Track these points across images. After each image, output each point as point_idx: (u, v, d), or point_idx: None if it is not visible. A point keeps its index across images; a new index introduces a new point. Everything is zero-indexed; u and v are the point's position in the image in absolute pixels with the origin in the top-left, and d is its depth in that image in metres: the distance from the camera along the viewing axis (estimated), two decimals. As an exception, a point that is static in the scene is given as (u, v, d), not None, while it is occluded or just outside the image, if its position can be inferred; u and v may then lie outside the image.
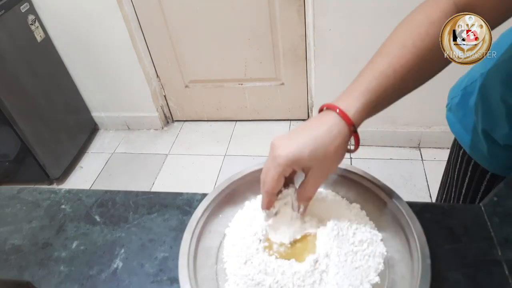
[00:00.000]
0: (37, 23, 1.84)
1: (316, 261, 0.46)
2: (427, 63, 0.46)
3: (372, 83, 0.44)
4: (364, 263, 0.46)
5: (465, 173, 0.69)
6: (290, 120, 2.17)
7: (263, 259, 0.46)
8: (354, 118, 0.43)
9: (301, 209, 0.49)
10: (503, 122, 0.56)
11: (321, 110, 0.46)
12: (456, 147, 0.72)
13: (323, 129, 0.43)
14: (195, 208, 0.52)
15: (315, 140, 0.42)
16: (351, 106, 0.43)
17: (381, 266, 0.47)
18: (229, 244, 0.51)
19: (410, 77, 0.45)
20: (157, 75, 2.13)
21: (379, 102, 0.45)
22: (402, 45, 0.45)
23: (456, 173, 0.72)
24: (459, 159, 0.71)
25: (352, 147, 0.47)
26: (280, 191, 0.49)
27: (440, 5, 0.46)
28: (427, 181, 1.72)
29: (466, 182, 0.70)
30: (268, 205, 0.48)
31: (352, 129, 0.43)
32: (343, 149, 0.45)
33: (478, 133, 0.62)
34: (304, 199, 0.48)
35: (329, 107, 0.44)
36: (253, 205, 0.54)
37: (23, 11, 1.76)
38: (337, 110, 0.43)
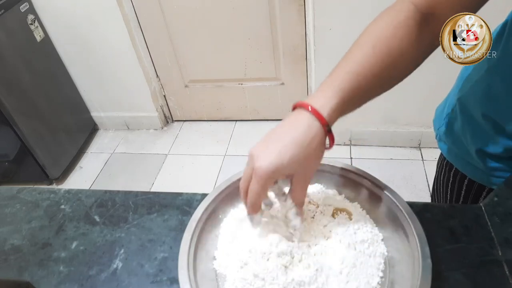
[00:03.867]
0: (36, 23, 1.84)
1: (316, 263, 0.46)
2: (397, 63, 0.46)
3: (345, 82, 0.44)
4: (365, 263, 0.46)
5: (460, 192, 0.70)
6: (290, 120, 2.17)
7: (259, 264, 0.46)
8: (328, 118, 0.43)
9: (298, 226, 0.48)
10: (495, 137, 0.57)
11: (294, 108, 0.45)
12: (445, 168, 0.72)
13: (299, 132, 0.42)
14: (195, 208, 0.52)
15: (293, 146, 0.42)
16: (325, 105, 0.43)
17: (381, 266, 0.47)
18: (224, 248, 0.50)
19: (383, 76, 0.46)
20: (157, 75, 2.13)
21: (352, 101, 0.45)
22: (373, 45, 0.45)
23: (450, 192, 0.73)
24: (451, 178, 0.71)
25: (328, 145, 0.46)
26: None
27: (403, 9, 0.47)
28: (427, 181, 1.72)
29: (461, 201, 0.70)
30: (253, 211, 0.47)
31: (327, 129, 0.43)
32: (321, 149, 0.45)
33: (472, 155, 0.62)
34: (298, 204, 0.48)
35: (303, 106, 0.43)
36: (240, 210, 0.54)
37: (22, 10, 1.76)
38: (310, 108, 0.42)
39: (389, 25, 0.46)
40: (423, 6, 0.46)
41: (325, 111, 0.42)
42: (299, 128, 0.42)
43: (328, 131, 0.43)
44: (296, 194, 0.46)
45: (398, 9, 0.47)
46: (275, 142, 0.43)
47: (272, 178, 0.42)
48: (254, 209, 0.46)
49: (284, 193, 0.49)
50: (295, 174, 0.44)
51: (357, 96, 0.45)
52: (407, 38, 0.45)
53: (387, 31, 0.46)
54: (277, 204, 0.49)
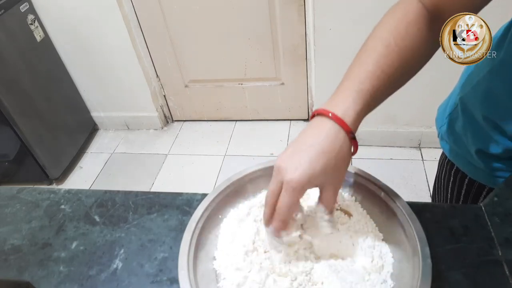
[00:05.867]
0: (36, 23, 1.84)
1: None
2: (410, 61, 0.46)
3: (364, 86, 0.44)
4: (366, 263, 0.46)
5: (460, 191, 0.70)
6: (290, 120, 2.17)
7: (255, 273, 0.46)
8: (352, 126, 0.43)
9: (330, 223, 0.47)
10: (495, 138, 0.57)
11: (314, 114, 0.45)
12: (447, 167, 0.72)
13: (327, 142, 0.42)
14: (195, 208, 0.52)
15: (323, 156, 0.41)
16: (348, 113, 0.43)
17: (382, 266, 0.47)
18: (224, 248, 0.50)
19: (397, 76, 0.46)
20: (157, 75, 2.13)
21: (371, 104, 0.45)
22: (386, 44, 0.45)
23: (450, 191, 0.73)
24: (452, 178, 0.71)
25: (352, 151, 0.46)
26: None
27: (412, 7, 0.47)
28: (427, 181, 1.72)
29: (461, 200, 0.70)
30: (281, 231, 0.45)
31: (351, 136, 0.43)
32: (348, 156, 0.44)
33: (472, 155, 0.62)
34: (330, 211, 0.46)
35: (325, 114, 0.43)
36: (240, 210, 0.54)
37: (22, 10, 1.76)
38: (333, 116, 0.42)
39: (402, 22, 0.46)
40: (430, 5, 0.46)
41: (348, 119, 0.42)
42: (326, 138, 0.42)
43: (352, 138, 0.43)
44: (328, 202, 0.45)
45: (407, 7, 0.47)
46: (304, 152, 0.42)
47: (305, 189, 0.42)
48: (284, 224, 0.43)
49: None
50: (326, 183, 0.43)
51: (375, 99, 0.45)
52: (419, 35, 0.46)
53: (399, 28, 0.46)
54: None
